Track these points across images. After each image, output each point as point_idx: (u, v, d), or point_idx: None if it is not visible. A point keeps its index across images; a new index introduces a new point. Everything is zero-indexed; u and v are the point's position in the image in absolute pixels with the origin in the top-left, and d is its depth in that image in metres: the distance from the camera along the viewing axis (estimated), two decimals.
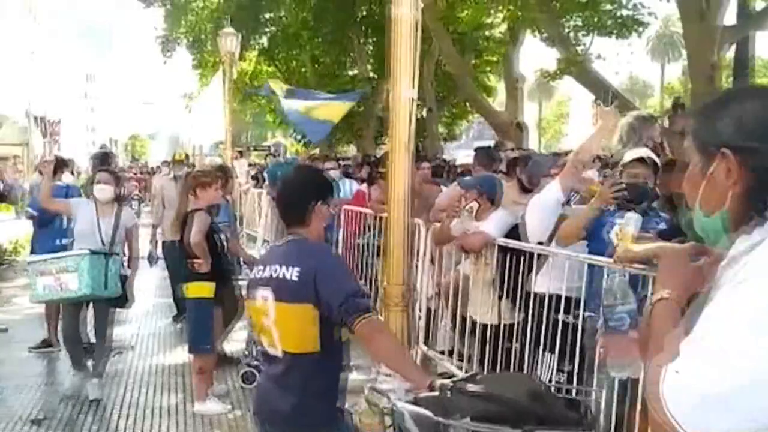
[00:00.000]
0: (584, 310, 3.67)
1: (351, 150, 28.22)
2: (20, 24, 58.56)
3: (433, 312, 5.60)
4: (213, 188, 5.09)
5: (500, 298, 4.51)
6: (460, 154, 11.81)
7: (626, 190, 3.60)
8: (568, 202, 4.08)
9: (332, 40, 23.57)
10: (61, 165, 7.29)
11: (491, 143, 22.74)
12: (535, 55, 24.00)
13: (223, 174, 6.32)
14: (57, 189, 6.56)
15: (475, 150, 7.59)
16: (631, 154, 3.82)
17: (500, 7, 13.74)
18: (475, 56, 20.26)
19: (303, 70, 26.23)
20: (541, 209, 4.00)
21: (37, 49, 64.15)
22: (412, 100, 4.05)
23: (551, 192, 3.98)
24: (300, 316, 2.49)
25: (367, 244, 6.75)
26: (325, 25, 22.97)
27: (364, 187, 7.85)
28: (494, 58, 21.66)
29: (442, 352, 5.34)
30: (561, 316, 3.80)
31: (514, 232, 4.45)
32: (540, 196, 4.09)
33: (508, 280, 4.35)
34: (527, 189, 4.99)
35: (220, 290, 5.20)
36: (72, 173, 12.60)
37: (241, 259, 6.05)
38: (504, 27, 14.65)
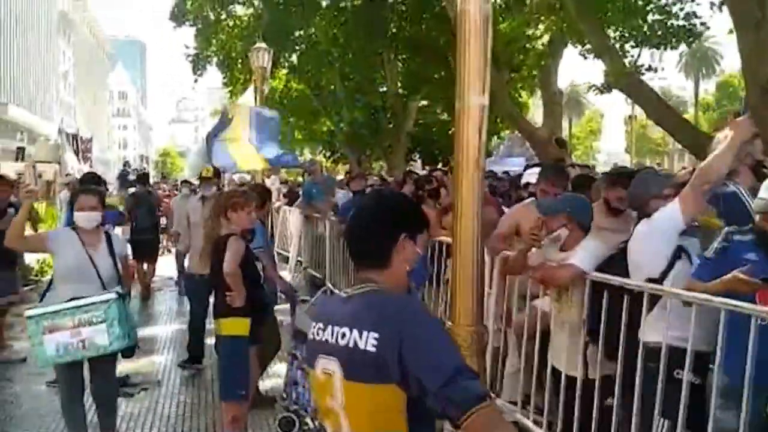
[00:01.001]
0: (716, 368, 2.89)
1: (379, 167, 27.68)
2: (54, 44, 59.19)
3: (500, 353, 4.80)
4: (248, 210, 4.36)
5: (590, 344, 3.73)
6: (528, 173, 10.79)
7: None
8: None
9: (362, 56, 23.07)
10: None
11: (521, 160, 21.99)
12: (565, 69, 23.28)
13: (259, 194, 5.60)
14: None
15: (542, 165, 6.80)
16: None
17: (542, 18, 12.98)
18: (510, 71, 19.53)
19: (332, 87, 25.84)
20: (658, 239, 3.23)
21: (70, 68, 64.84)
22: (484, 107, 3.28)
23: (671, 218, 3.22)
24: (379, 400, 1.75)
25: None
26: (356, 41, 22.52)
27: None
28: (528, 73, 20.97)
29: (513, 403, 4.52)
30: (684, 375, 3.01)
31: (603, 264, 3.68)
32: (656, 223, 3.32)
33: (604, 323, 3.57)
34: (616, 211, 4.22)
35: (257, 326, 4.49)
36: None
37: (279, 288, 5.35)
38: (545, 39, 13.87)
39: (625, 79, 10.88)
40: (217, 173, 8.45)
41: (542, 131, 16.22)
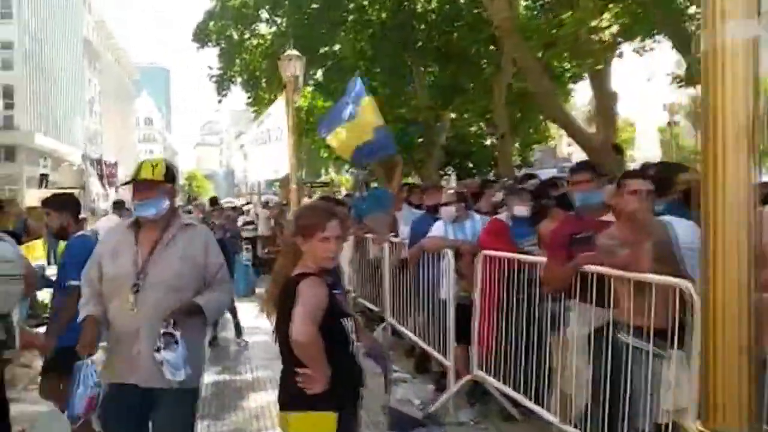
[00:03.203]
0: None
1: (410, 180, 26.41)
2: (80, 72, 58.93)
3: None
4: (330, 234, 2.75)
5: None
6: None
7: None
8: None
9: (391, 69, 21.84)
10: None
11: (553, 171, 20.36)
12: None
13: (334, 210, 3.61)
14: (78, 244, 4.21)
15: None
16: None
17: (610, 5, 11.44)
18: (552, 75, 18.14)
19: None
20: None
21: (96, 95, 64.63)
22: (755, 43, 1.83)
23: None
24: None
25: (526, 305, 4.53)
26: (383, 54, 21.34)
27: (504, 217, 5.40)
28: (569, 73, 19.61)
29: None
30: None
31: None
32: None
33: None
34: None
35: (348, 423, 2.80)
36: (121, 215, 10.85)
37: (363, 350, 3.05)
38: (613, 29, 12.40)
39: None
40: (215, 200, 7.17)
41: (597, 138, 14.63)
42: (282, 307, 2.74)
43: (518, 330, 4.75)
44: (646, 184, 3.56)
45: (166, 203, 3.28)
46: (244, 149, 14.26)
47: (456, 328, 5.41)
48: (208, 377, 6.82)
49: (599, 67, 13.01)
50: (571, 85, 23.09)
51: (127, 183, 3.43)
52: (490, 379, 5.12)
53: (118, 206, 11.10)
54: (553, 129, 27.61)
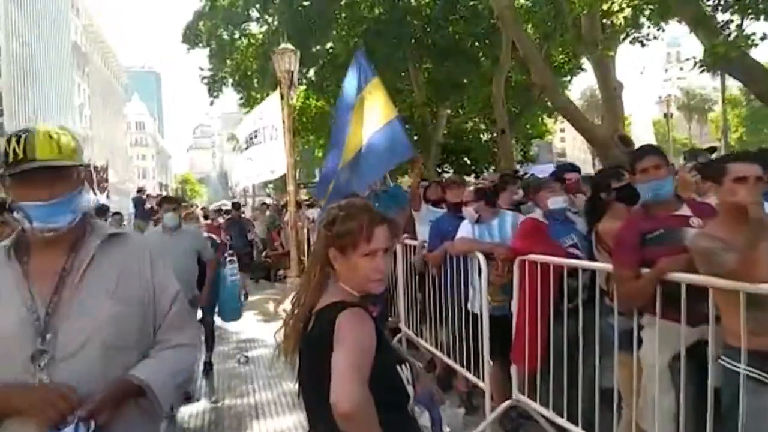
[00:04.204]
0: None
1: (405, 181, 25.68)
2: (68, 77, 57.82)
3: None
4: (368, 248, 1.93)
5: None
6: None
7: None
8: None
9: (386, 65, 21.06)
10: None
11: (550, 167, 19.63)
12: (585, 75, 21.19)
13: (379, 211, 2.44)
14: None
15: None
16: None
17: None
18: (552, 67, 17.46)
19: None
20: None
21: (86, 100, 63.51)
22: None
23: None
24: None
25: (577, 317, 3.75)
26: (378, 50, 20.57)
27: (538, 214, 4.53)
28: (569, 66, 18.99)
29: None
30: None
31: None
32: None
33: None
34: None
35: None
36: (106, 220, 10.02)
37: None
38: (627, 12, 11.66)
39: (735, 52, 8.64)
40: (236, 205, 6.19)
41: (603, 129, 13.96)
42: (310, 352, 1.90)
43: (569, 347, 3.98)
44: (754, 169, 2.78)
45: (83, 201, 1.97)
46: (236, 155, 13.42)
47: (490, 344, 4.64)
48: (204, 402, 6.03)
49: (611, 53, 12.29)
50: (565, 78, 22.47)
51: (9, 169, 1.85)
52: (534, 405, 4.35)
53: (102, 212, 10.17)
54: (549, 124, 26.96)
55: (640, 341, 3.33)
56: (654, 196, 3.34)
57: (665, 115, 31.11)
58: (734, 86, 44.81)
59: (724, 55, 8.65)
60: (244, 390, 6.31)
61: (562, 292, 4.05)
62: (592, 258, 4.03)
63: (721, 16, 10.14)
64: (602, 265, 3.66)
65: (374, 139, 6.27)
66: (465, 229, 4.96)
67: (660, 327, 3.14)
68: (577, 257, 4.09)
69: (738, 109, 47.58)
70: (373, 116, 6.42)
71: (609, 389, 3.71)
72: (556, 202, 4.31)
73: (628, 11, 11.33)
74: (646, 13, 11.33)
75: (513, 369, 4.53)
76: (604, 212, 3.92)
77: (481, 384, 4.76)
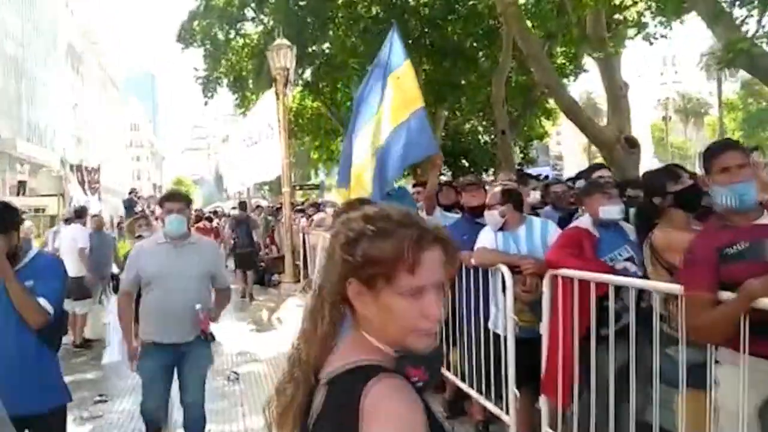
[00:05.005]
0: None
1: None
2: (63, 78, 56.98)
3: None
4: (406, 284, 1.23)
5: None
6: None
7: None
8: None
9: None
10: None
11: (547, 170, 18.91)
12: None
13: (427, 224, 1.71)
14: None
15: None
16: None
17: None
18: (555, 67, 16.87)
19: (350, 103, 23.35)
20: None
21: (81, 101, 62.66)
22: None
23: None
24: None
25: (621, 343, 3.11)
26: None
27: (585, 222, 3.81)
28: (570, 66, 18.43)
29: None
30: None
31: None
32: None
33: None
34: None
35: None
36: (84, 224, 9.32)
37: None
38: (640, 6, 11.06)
39: (756, 49, 8.06)
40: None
41: (608, 130, 13.34)
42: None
43: (612, 377, 3.34)
44: None
45: None
46: (229, 156, 12.78)
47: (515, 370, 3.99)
48: None
49: (621, 48, 11.68)
50: (565, 81, 21.96)
51: None
52: None
53: (80, 213, 9.35)
54: (547, 126, 26.39)
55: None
56: (740, 203, 2.68)
57: (663, 118, 30.63)
58: (731, 90, 44.47)
59: (747, 52, 8.05)
60: (231, 415, 5.62)
61: (602, 313, 3.41)
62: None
63: (737, 12, 9.56)
64: (665, 285, 2.99)
65: (399, 130, 5.52)
66: (486, 238, 4.26)
67: (746, 365, 2.50)
68: (634, 274, 3.44)
69: (735, 112, 47.08)
70: (400, 105, 5.67)
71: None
72: (610, 212, 3.64)
73: (641, 5, 10.71)
74: (661, 7, 10.71)
75: (542, 401, 3.88)
76: (657, 220, 3.27)
77: (504, 417, 4.11)
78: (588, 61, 21.06)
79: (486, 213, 4.36)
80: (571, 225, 4.01)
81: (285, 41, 11.47)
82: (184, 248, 4.22)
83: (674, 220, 3.16)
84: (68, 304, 7.11)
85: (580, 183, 5.19)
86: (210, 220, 15.13)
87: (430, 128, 5.61)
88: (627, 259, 3.63)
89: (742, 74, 43.28)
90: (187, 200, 4.38)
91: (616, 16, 10.53)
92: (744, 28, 9.22)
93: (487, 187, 5.11)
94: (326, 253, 1.31)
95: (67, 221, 10.05)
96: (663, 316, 3.04)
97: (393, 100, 5.66)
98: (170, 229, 4.20)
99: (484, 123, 22.12)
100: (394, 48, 6.02)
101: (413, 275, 1.21)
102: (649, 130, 46.16)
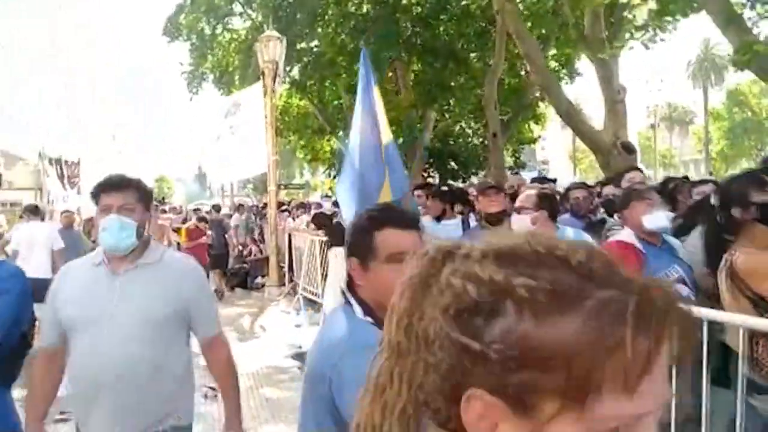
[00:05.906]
0: None
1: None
2: (44, 71, 55.83)
3: None
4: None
5: None
6: None
7: None
8: None
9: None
10: None
11: (535, 173, 18.44)
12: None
13: None
14: None
15: None
16: None
17: None
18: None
19: (338, 101, 22.82)
20: None
21: (63, 95, 61.53)
22: None
23: None
24: None
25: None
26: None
27: (628, 237, 3.17)
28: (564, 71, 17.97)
29: None
30: None
31: None
32: None
33: None
34: None
35: None
36: (42, 220, 8.55)
37: None
38: (651, 4, 10.56)
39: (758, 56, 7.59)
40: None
41: (604, 135, 12.83)
42: None
43: (677, 426, 2.73)
44: None
45: None
46: (209, 148, 11.99)
47: None
48: None
49: (622, 48, 11.19)
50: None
51: None
52: None
53: (34, 211, 8.29)
54: (536, 130, 25.94)
55: None
56: None
57: (652, 126, 30.36)
58: (716, 99, 44.50)
59: (763, 53, 7.57)
60: None
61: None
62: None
63: (748, 13, 9.09)
64: (757, 320, 2.36)
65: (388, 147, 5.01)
66: None
67: None
68: (687, 298, 2.84)
69: (720, 122, 47.07)
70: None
71: None
72: (657, 219, 3.04)
73: (652, 3, 10.21)
74: (668, 6, 10.21)
75: None
76: (730, 236, 2.66)
77: None
78: (581, 66, 20.64)
79: (514, 217, 3.66)
80: (611, 239, 3.38)
81: (274, 33, 10.80)
82: (134, 273, 2.44)
83: (757, 237, 2.55)
84: (38, 309, 6.37)
85: (609, 189, 4.59)
86: (205, 220, 12.51)
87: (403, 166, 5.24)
88: (678, 281, 3.03)
89: (728, 83, 43.37)
90: (138, 190, 2.49)
91: (625, 14, 10.03)
92: (755, 31, 8.76)
93: (532, 190, 4.47)
94: (405, 319, 0.64)
95: (26, 218, 8.89)
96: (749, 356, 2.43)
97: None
98: (107, 241, 2.40)
99: (473, 125, 21.60)
100: (368, 72, 5.61)
101: (631, 394, 0.56)
102: (637, 138, 45.93)
